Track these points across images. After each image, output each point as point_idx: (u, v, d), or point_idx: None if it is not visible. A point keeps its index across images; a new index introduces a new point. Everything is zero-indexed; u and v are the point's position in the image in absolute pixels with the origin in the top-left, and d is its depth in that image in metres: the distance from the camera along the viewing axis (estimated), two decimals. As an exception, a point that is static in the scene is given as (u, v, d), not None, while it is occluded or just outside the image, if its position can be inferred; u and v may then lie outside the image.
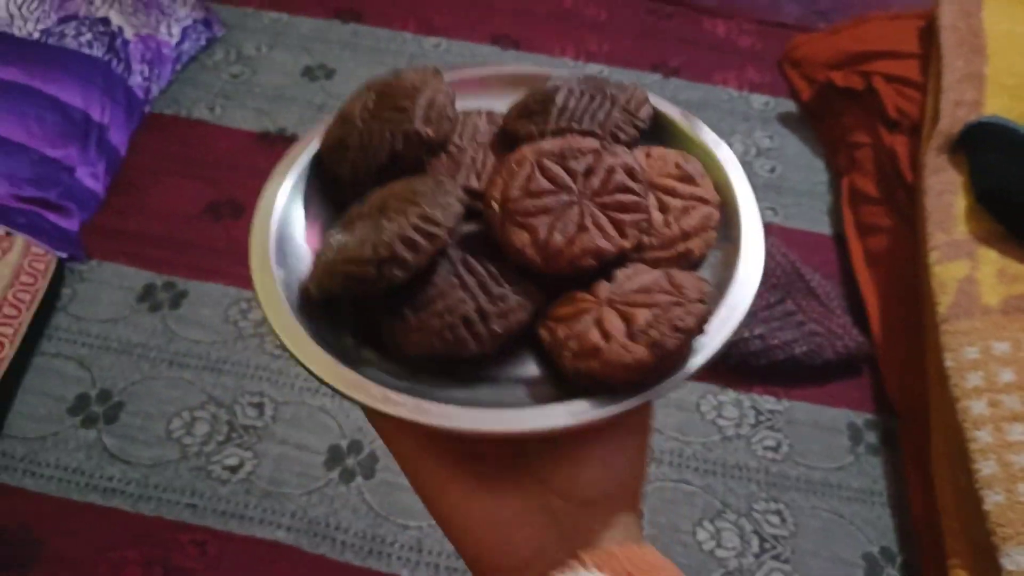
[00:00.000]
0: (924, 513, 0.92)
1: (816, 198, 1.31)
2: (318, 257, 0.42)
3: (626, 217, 0.43)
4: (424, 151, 0.45)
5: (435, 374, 0.41)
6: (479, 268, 0.42)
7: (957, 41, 1.18)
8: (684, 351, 0.37)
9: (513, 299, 0.41)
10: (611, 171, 0.43)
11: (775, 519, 0.95)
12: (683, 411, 1.03)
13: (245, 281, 1.08)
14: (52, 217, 1.07)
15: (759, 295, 1.11)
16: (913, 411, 1.00)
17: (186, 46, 1.33)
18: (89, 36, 1.20)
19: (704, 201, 0.47)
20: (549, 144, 0.45)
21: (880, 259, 1.15)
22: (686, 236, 0.45)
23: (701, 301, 0.39)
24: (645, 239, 0.44)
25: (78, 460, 0.92)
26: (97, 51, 1.20)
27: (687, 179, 0.48)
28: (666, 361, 0.37)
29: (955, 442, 0.87)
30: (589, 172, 0.43)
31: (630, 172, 0.44)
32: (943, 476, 0.90)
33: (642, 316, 0.38)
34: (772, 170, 1.34)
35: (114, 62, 1.21)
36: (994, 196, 1.00)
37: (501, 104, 0.52)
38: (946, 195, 1.04)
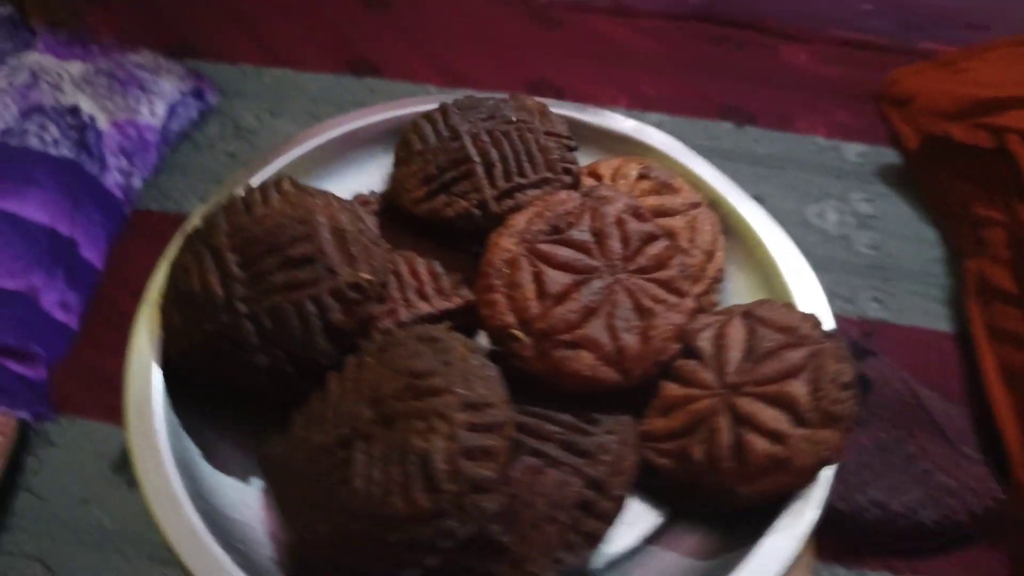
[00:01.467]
0: None
1: (929, 283, 1.07)
2: (298, 525, 0.29)
3: (671, 272, 0.35)
4: (372, 305, 0.32)
5: None
6: (548, 425, 0.32)
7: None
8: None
9: (613, 442, 0.32)
10: (621, 223, 0.36)
11: None
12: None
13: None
14: (13, 366, 0.91)
15: (871, 436, 0.89)
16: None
17: (174, 125, 1.14)
18: (56, 132, 1.02)
19: (696, 205, 0.42)
20: (523, 220, 0.35)
21: (1021, 378, 0.92)
22: (710, 255, 0.41)
23: (828, 335, 0.34)
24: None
25: None
26: (65, 149, 1.02)
27: (665, 188, 0.41)
28: (845, 436, 0.32)
29: None
30: (600, 235, 0.35)
31: (638, 214, 0.37)
32: None
33: (799, 390, 0.31)
34: (875, 247, 1.11)
35: (85, 160, 1.03)
36: None
37: (363, 177, 0.42)
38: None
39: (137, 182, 1.09)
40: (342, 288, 0.31)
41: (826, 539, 0.85)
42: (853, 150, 1.22)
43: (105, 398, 0.93)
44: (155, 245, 1.06)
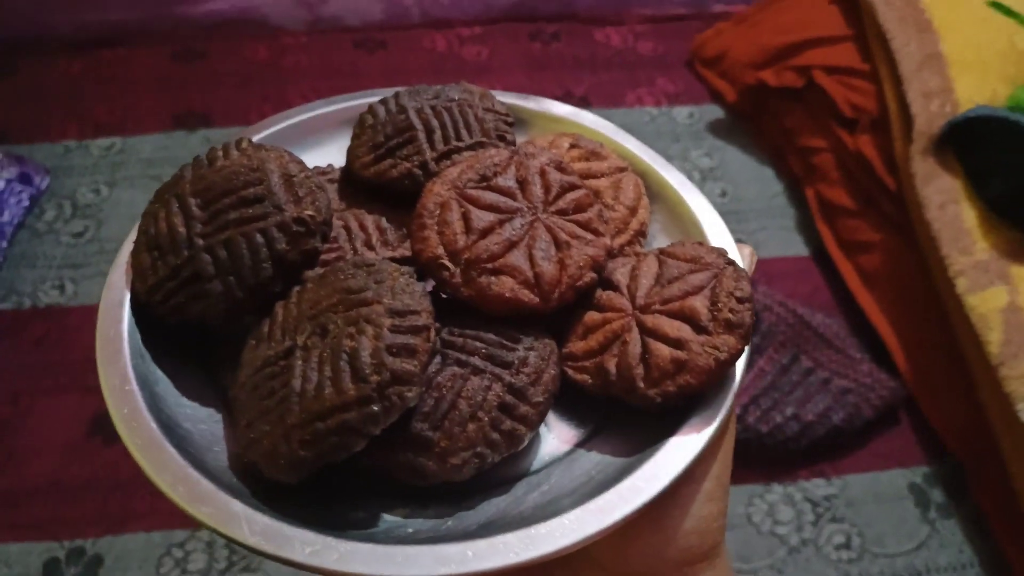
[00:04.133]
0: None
1: (779, 215, 1.18)
2: (244, 429, 0.32)
3: (589, 215, 0.38)
4: (316, 239, 0.36)
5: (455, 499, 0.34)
6: (473, 342, 0.35)
7: (898, 18, 1.06)
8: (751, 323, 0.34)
9: (533, 356, 0.35)
10: (544, 173, 0.39)
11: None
12: (737, 529, 0.88)
13: (171, 518, 0.85)
14: None
15: (769, 359, 0.96)
16: (978, 455, 0.89)
17: (5, 217, 1.05)
18: None
19: (622, 169, 0.45)
20: (456, 171, 0.39)
21: (878, 280, 1.03)
22: (633, 211, 0.43)
23: (729, 262, 0.36)
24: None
25: None
26: None
27: (593, 155, 0.45)
28: (743, 343, 0.34)
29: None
30: (524, 183, 0.38)
31: (560, 167, 0.39)
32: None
33: (700, 304, 0.34)
34: (723, 194, 1.20)
35: (-83, 271, 0.93)
36: (1010, 201, 0.89)
37: (324, 155, 0.46)
38: (949, 206, 0.92)
39: (-21, 284, 1.00)
40: (288, 222, 0.35)
41: (757, 462, 0.92)
42: (682, 113, 1.31)
43: (9, 515, 0.85)
44: (16, 348, 0.99)
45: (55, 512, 0.86)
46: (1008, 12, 1.06)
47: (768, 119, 1.23)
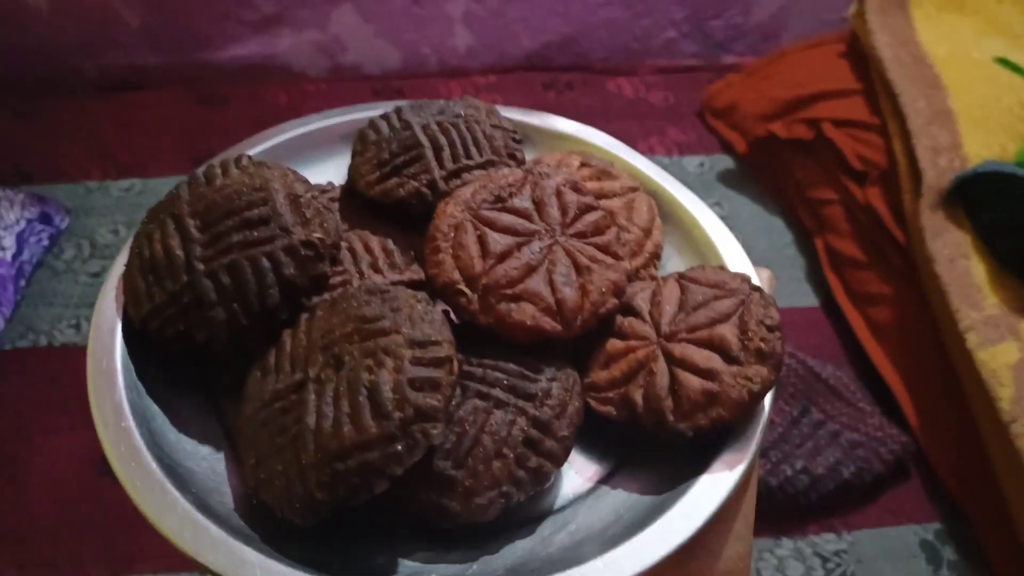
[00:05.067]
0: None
1: (788, 265, 1.18)
2: (253, 468, 0.30)
3: (608, 238, 0.37)
4: (324, 264, 0.34)
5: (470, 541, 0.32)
6: (494, 372, 0.33)
7: (907, 75, 1.08)
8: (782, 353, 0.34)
9: (556, 387, 0.33)
10: (560, 194, 0.38)
11: None
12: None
13: (180, 560, 0.85)
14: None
15: (779, 411, 0.96)
16: (988, 512, 0.88)
17: (25, 255, 1.07)
18: None
19: (635, 189, 0.44)
20: (468, 191, 0.37)
21: (888, 333, 1.03)
22: (648, 232, 0.42)
23: (754, 288, 0.35)
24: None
25: None
26: (-88, 301, 0.93)
27: (604, 174, 0.44)
28: (776, 373, 0.33)
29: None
30: (540, 204, 0.37)
31: (576, 188, 0.38)
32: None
33: (729, 333, 0.33)
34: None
35: (-62, 309, 0.95)
36: (1021, 258, 0.89)
37: (322, 173, 0.44)
38: (959, 261, 0.93)
39: (-2, 322, 1.02)
40: (296, 245, 0.33)
41: (767, 516, 0.91)
42: (693, 163, 1.33)
43: (11, 551, 0.85)
44: (30, 386, 1.00)
45: (62, 550, 0.86)
46: (1014, 68, 1.07)
47: (778, 170, 1.24)
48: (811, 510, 0.91)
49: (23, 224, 1.08)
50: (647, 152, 1.33)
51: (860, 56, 1.20)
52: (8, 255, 1.05)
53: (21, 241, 1.07)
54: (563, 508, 0.35)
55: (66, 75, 1.36)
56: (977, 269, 0.92)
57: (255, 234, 0.33)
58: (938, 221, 0.96)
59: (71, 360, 1.02)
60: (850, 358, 1.06)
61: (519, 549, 0.32)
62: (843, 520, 0.92)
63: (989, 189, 0.93)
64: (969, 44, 1.12)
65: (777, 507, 0.91)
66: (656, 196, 0.45)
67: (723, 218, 1.22)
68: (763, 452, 0.92)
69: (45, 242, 1.11)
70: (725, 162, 1.32)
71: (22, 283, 1.06)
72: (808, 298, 1.14)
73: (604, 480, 0.36)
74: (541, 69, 1.47)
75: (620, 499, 0.34)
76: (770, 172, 1.26)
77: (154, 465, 0.30)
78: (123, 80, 1.37)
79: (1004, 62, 1.08)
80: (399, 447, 0.28)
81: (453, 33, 1.42)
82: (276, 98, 1.38)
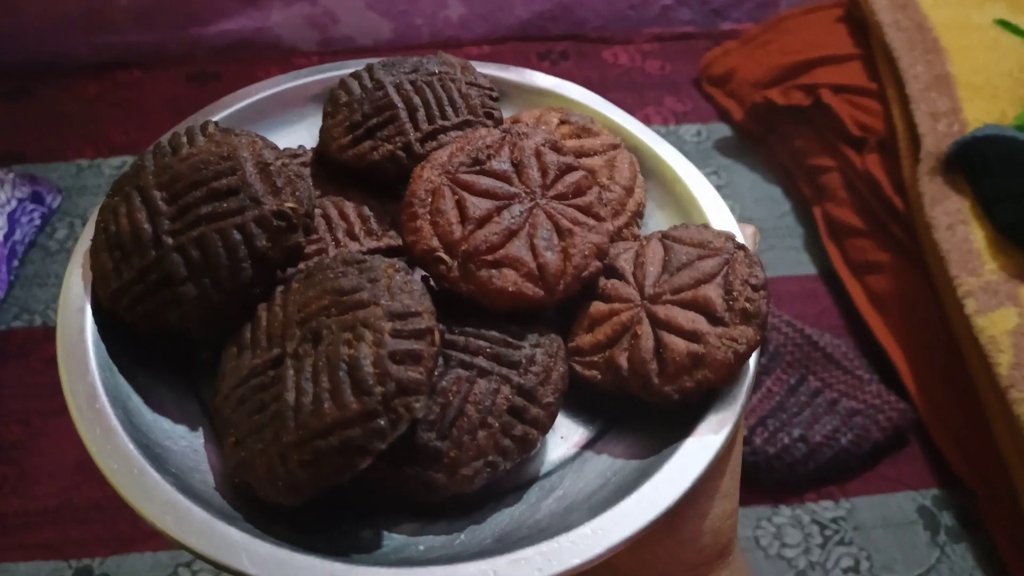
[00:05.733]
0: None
1: (786, 235, 1.18)
2: (233, 448, 0.30)
3: (589, 199, 0.36)
4: (298, 234, 0.32)
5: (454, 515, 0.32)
6: (476, 341, 0.33)
7: (907, 40, 1.06)
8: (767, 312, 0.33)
9: (540, 353, 0.33)
10: (540, 155, 0.36)
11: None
12: (744, 552, 0.87)
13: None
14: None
15: (776, 380, 0.95)
16: (988, 479, 0.88)
17: (17, 235, 1.07)
18: None
19: (616, 146, 0.43)
20: (445, 154, 0.36)
21: (887, 301, 1.02)
22: (629, 191, 0.41)
23: (739, 247, 0.35)
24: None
25: None
26: (-95, 284, 0.93)
27: (584, 131, 0.43)
28: (761, 333, 0.32)
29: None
30: (519, 166, 0.36)
31: (556, 147, 0.37)
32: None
33: (714, 293, 0.33)
34: (731, 212, 1.19)
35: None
36: (1020, 225, 0.88)
37: (293, 136, 0.43)
38: (958, 228, 0.92)
39: (-8, 303, 1.01)
40: (267, 216, 0.31)
41: (765, 485, 0.91)
42: (690, 131, 1.31)
43: (15, 536, 0.86)
44: (26, 368, 1.00)
45: (64, 532, 0.86)
46: (1015, 30, 1.05)
47: (776, 138, 1.23)
48: (809, 478, 0.91)
49: (14, 204, 1.07)
50: (644, 122, 1.31)
51: (858, 21, 1.18)
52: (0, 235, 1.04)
53: (13, 221, 1.07)
54: (549, 474, 0.34)
55: (57, 54, 1.35)
56: (976, 235, 0.91)
57: (224, 205, 0.31)
58: (937, 187, 0.95)
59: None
60: (849, 327, 1.05)
61: (506, 517, 0.32)
62: (841, 487, 0.92)
63: (989, 154, 0.91)
64: (970, 8, 1.10)
65: (775, 475, 0.91)
66: (637, 151, 0.44)
67: (721, 187, 1.22)
68: (760, 421, 0.92)
69: (37, 222, 1.10)
70: (722, 131, 1.30)
71: (15, 263, 1.06)
72: (806, 267, 1.13)
73: (590, 445, 0.36)
74: (536, 39, 1.45)
75: (607, 464, 0.34)
76: (768, 141, 1.25)
77: (131, 447, 0.29)
78: (114, 59, 1.36)
79: (1005, 24, 1.06)
80: (382, 422, 0.27)
81: (446, 3, 1.40)
82: (268, 73, 1.37)
